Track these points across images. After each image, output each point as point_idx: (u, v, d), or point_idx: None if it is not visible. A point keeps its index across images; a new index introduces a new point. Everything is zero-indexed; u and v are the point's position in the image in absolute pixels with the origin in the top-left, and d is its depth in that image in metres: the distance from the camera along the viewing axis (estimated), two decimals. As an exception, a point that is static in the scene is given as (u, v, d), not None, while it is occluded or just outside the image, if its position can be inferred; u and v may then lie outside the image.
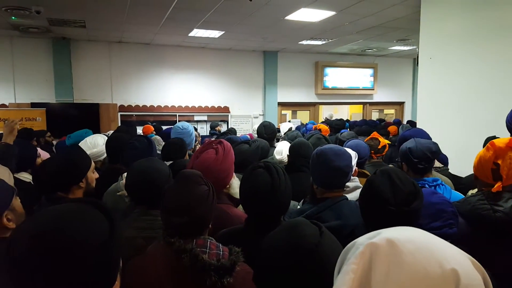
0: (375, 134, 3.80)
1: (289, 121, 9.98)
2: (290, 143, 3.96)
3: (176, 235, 1.52)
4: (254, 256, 1.29)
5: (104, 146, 3.52)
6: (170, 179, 2.12)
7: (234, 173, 2.44)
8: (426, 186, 2.39)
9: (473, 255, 0.77)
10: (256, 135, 5.65)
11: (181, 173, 1.69)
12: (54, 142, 6.18)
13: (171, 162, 3.16)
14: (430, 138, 3.22)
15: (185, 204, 1.54)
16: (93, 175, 2.37)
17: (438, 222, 1.66)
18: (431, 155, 2.57)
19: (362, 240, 0.77)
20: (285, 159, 3.65)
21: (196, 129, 8.41)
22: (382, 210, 1.62)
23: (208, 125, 10.20)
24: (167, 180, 2.07)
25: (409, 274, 0.68)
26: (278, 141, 5.44)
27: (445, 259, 0.70)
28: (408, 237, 0.75)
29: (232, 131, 6.47)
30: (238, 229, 1.95)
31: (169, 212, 1.55)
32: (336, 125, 7.24)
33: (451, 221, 1.67)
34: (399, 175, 1.69)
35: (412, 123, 8.10)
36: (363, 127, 7.08)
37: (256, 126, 7.31)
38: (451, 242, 0.77)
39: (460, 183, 3.11)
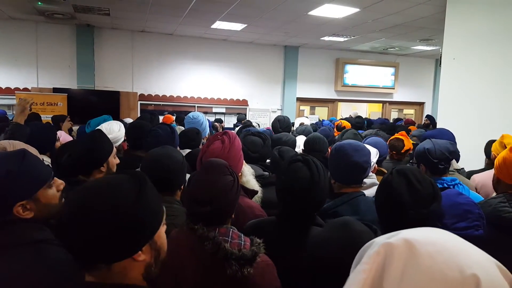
0: (402, 134, 3.62)
1: (306, 117, 9.92)
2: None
3: (200, 223, 1.54)
4: (287, 250, 1.27)
5: (119, 133, 3.56)
6: (184, 166, 2.15)
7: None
8: (445, 186, 2.38)
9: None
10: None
11: (208, 162, 1.70)
12: (74, 128, 6.21)
13: (188, 151, 3.17)
14: (454, 138, 3.19)
15: (210, 193, 1.55)
16: (114, 160, 2.40)
17: (463, 223, 1.59)
18: (450, 155, 2.56)
19: (380, 240, 0.73)
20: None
21: (221, 121, 8.49)
22: (399, 213, 1.57)
23: (226, 118, 10.29)
24: (180, 167, 2.10)
25: (425, 278, 0.64)
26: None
27: (467, 264, 0.64)
28: (429, 238, 0.70)
29: (247, 123, 6.49)
30: (270, 221, 1.92)
31: (193, 200, 1.57)
32: (356, 123, 7.17)
33: (477, 222, 1.59)
34: (416, 176, 1.62)
35: (431, 118, 8.41)
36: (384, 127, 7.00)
37: (273, 121, 7.31)
38: (475, 245, 0.71)
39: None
